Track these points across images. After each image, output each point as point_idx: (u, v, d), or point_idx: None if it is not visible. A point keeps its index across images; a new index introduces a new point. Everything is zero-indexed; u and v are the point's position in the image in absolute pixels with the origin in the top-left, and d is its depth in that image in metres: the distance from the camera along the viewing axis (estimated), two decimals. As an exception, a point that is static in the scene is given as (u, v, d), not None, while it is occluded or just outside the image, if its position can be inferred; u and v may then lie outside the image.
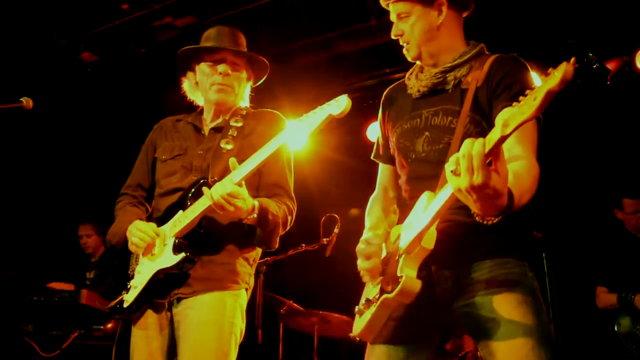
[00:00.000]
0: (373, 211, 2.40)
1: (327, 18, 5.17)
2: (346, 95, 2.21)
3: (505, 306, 1.92)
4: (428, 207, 1.86)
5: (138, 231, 2.64)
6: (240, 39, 2.91)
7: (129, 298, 2.67)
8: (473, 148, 1.51)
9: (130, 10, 5.01)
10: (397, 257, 1.96)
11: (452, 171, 1.57)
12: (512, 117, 1.44)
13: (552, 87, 1.34)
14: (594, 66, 4.86)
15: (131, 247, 2.68)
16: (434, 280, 2.05)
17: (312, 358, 4.59)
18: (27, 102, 2.88)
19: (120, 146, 6.49)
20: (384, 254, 2.08)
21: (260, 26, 5.07)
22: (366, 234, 2.23)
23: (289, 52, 5.58)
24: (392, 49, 2.32)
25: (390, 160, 2.39)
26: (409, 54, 2.26)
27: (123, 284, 2.74)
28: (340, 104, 2.19)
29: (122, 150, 6.40)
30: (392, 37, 2.28)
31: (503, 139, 1.47)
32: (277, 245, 2.75)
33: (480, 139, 1.52)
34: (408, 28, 2.21)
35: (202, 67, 2.85)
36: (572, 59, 1.33)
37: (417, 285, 1.87)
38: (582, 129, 5.22)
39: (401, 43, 2.27)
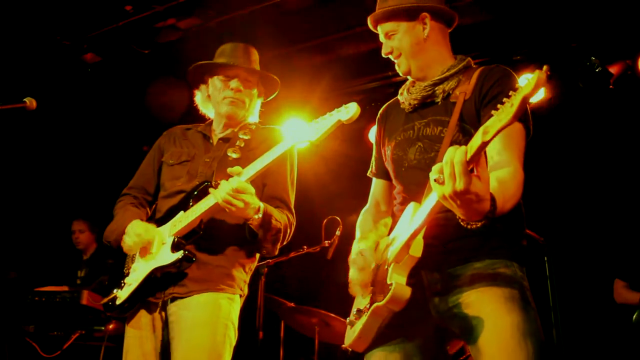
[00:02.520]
0: (363, 223, 2.45)
1: (329, 20, 5.18)
2: (356, 103, 2.28)
3: (492, 303, 1.95)
4: (415, 216, 1.90)
5: (134, 235, 2.64)
6: (254, 56, 2.96)
7: (122, 295, 2.67)
8: (455, 156, 1.57)
9: (133, 11, 5.02)
10: (386, 266, 1.99)
11: (435, 180, 1.62)
12: (492, 124, 1.51)
13: (526, 93, 1.42)
14: (597, 70, 4.86)
15: (124, 246, 2.69)
16: (425, 285, 2.08)
17: (313, 361, 4.59)
18: (30, 102, 2.88)
19: (122, 147, 6.51)
20: (373, 265, 2.11)
21: (263, 28, 5.07)
22: (358, 245, 2.25)
23: (291, 55, 5.58)
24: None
25: (384, 175, 2.46)
26: (400, 69, 2.35)
27: (117, 282, 2.74)
28: (350, 110, 2.27)
29: (124, 151, 6.42)
30: (383, 55, 2.36)
31: (484, 145, 1.53)
32: (276, 252, 2.78)
33: (463, 147, 1.58)
34: (397, 44, 2.30)
35: (215, 81, 2.90)
36: (545, 67, 1.42)
37: (406, 292, 1.89)
38: (585, 132, 5.22)
39: (393, 59, 2.35)
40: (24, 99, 2.86)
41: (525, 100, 1.43)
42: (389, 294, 1.88)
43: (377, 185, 2.52)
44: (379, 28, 2.36)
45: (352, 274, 2.15)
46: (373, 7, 2.36)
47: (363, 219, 2.47)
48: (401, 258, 1.93)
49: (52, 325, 4.70)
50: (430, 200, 1.77)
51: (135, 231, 2.65)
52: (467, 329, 1.97)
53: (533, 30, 5.05)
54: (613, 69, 4.90)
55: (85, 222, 6.00)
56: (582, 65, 4.92)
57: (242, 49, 2.93)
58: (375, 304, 1.96)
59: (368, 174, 2.57)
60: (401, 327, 2.07)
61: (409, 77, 2.36)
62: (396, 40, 2.29)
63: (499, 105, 1.50)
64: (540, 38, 5.11)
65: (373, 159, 2.54)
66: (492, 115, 1.53)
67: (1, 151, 5.58)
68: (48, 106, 3.68)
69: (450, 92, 2.20)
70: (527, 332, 1.89)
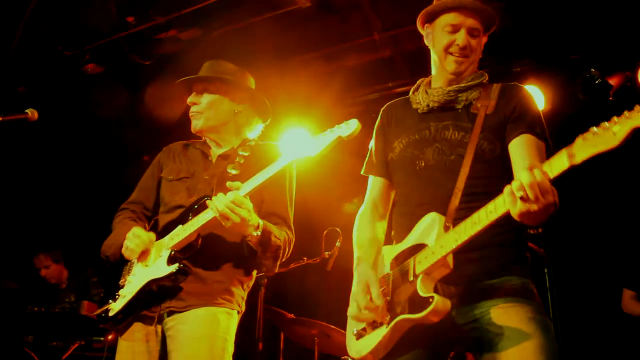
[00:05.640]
0: (361, 230, 2.39)
1: (330, 32, 5.20)
2: (356, 119, 2.29)
3: (515, 322, 1.96)
4: (456, 230, 1.90)
5: (135, 237, 2.64)
6: (220, 66, 2.93)
7: (115, 307, 2.65)
8: (537, 177, 1.66)
9: (135, 22, 5.04)
10: (411, 278, 1.99)
11: (521, 197, 1.68)
12: (581, 148, 1.56)
13: (638, 125, 1.45)
14: (596, 82, 4.87)
15: (125, 252, 2.67)
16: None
17: (313, 372, 4.57)
18: (32, 113, 2.87)
19: (122, 157, 6.51)
20: (378, 297, 2.06)
21: (264, 40, 5.09)
22: (359, 275, 2.18)
23: (292, 66, 5.60)
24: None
25: (384, 173, 2.43)
26: (461, 67, 2.28)
27: (112, 293, 2.72)
28: (350, 127, 2.28)
29: (124, 161, 6.43)
30: (460, 45, 2.27)
31: (571, 167, 1.63)
32: (276, 270, 2.76)
33: (538, 168, 1.68)
34: (475, 45, 2.31)
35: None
36: None
37: (448, 305, 1.91)
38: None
39: (459, 56, 2.28)
40: (26, 110, 2.86)
41: (633, 131, 1.46)
42: (431, 307, 1.88)
43: (375, 184, 2.47)
44: (460, 18, 2.26)
45: (356, 312, 2.10)
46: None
47: (360, 226, 2.41)
48: (434, 270, 1.95)
49: (51, 336, 4.69)
50: (487, 215, 1.79)
51: (136, 233, 2.65)
52: (487, 346, 1.98)
53: (533, 42, 5.07)
54: (613, 81, 4.91)
55: (47, 254, 5.70)
56: (582, 77, 4.93)
57: (208, 64, 2.95)
58: (404, 316, 1.95)
59: (363, 172, 2.52)
60: (413, 339, 2.06)
61: (453, 75, 2.29)
62: (476, 41, 2.30)
63: (592, 130, 1.55)
64: (540, 50, 5.13)
65: (372, 153, 2.50)
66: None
67: (6, 159, 5.59)
68: (49, 116, 3.69)
69: (472, 103, 2.25)
70: (549, 354, 1.91)
